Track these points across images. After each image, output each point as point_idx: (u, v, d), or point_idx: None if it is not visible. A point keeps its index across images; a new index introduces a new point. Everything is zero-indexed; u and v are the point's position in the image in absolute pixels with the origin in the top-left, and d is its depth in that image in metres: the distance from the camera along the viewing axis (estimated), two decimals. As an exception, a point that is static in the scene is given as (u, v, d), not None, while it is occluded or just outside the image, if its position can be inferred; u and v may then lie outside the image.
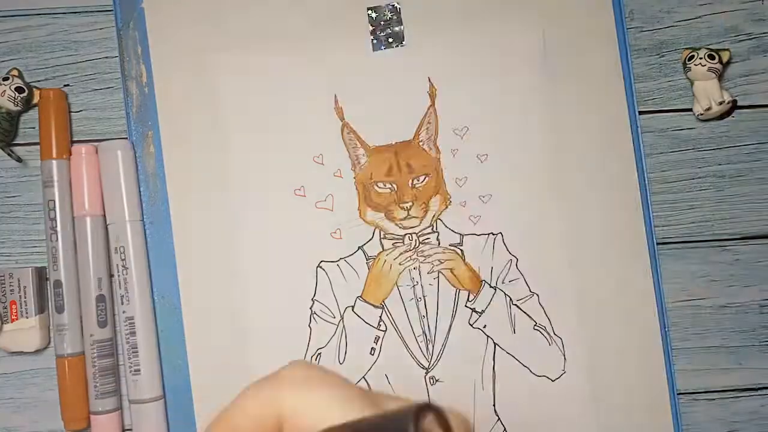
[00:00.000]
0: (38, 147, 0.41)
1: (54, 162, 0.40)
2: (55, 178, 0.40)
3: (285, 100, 0.41)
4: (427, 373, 0.40)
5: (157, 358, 0.40)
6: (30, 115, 0.42)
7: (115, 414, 0.40)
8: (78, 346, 0.40)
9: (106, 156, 0.40)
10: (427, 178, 0.41)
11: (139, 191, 0.41)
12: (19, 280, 0.40)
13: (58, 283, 0.40)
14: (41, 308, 0.40)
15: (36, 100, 0.41)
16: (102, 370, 0.40)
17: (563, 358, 0.41)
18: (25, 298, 0.40)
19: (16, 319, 0.40)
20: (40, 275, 0.41)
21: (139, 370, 0.39)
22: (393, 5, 0.42)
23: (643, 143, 0.43)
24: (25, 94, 0.41)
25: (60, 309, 0.40)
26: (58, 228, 0.40)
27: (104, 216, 0.41)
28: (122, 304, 0.40)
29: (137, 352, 0.40)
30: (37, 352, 0.41)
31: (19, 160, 0.42)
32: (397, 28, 0.42)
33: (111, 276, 0.40)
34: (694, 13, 0.44)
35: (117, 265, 0.40)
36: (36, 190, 0.42)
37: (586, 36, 0.42)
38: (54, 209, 0.40)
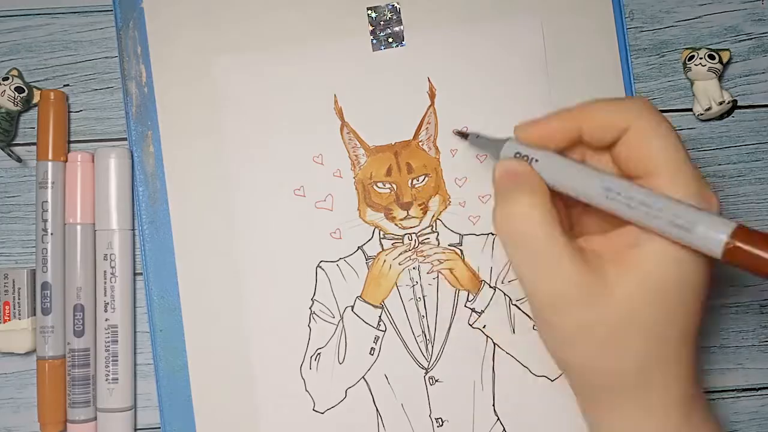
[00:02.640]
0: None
1: (50, 164, 0.40)
2: (50, 180, 0.40)
3: (285, 100, 0.41)
4: (426, 373, 0.40)
5: (134, 368, 0.41)
6: (30, 115, 0.42)
7: (92, 424, 0.40)
8: (60, 349, 0.40)
9: (100, 163, 0.40)
10: (426, 178, 0.41)
11: (133, 199, 0.41)
12: (13, 281, 0.40)
13: (46, 285, 0.40)
14: (35, 310, 0.40)
15: (36, 99, 0.41)
16: (75, 379, 0.40)
17: (563, 358, 0.41)
18: (19, 299, 0.40)
19: (9, 320, 0.40)
20: (35, 277, 0.41)
21: (117, 379, 0.40)
22: (393, 5, 0.42)
23: (643, 143, 0.43)
24: (24, 94, 0.41)
25: (46, 311, 0.40)
26: (49, 229, 0.40)
27: (94, 224, 0.41)
28: (106, 311, 0.40)
29: (117, 360, 0.40)
30: (28, 354, 0.41)
31: (19, 160, 0.42)
32: (397, 28, 0.42)
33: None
34: (694, 13, 0.44)
35: (105, 272, 0.40)
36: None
37: (586, 36, 0.42)
38: (47, 210, 0.40)
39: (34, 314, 0.40)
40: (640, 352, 0.31)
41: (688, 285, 0.30)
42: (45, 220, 0.40)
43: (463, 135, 0.39)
